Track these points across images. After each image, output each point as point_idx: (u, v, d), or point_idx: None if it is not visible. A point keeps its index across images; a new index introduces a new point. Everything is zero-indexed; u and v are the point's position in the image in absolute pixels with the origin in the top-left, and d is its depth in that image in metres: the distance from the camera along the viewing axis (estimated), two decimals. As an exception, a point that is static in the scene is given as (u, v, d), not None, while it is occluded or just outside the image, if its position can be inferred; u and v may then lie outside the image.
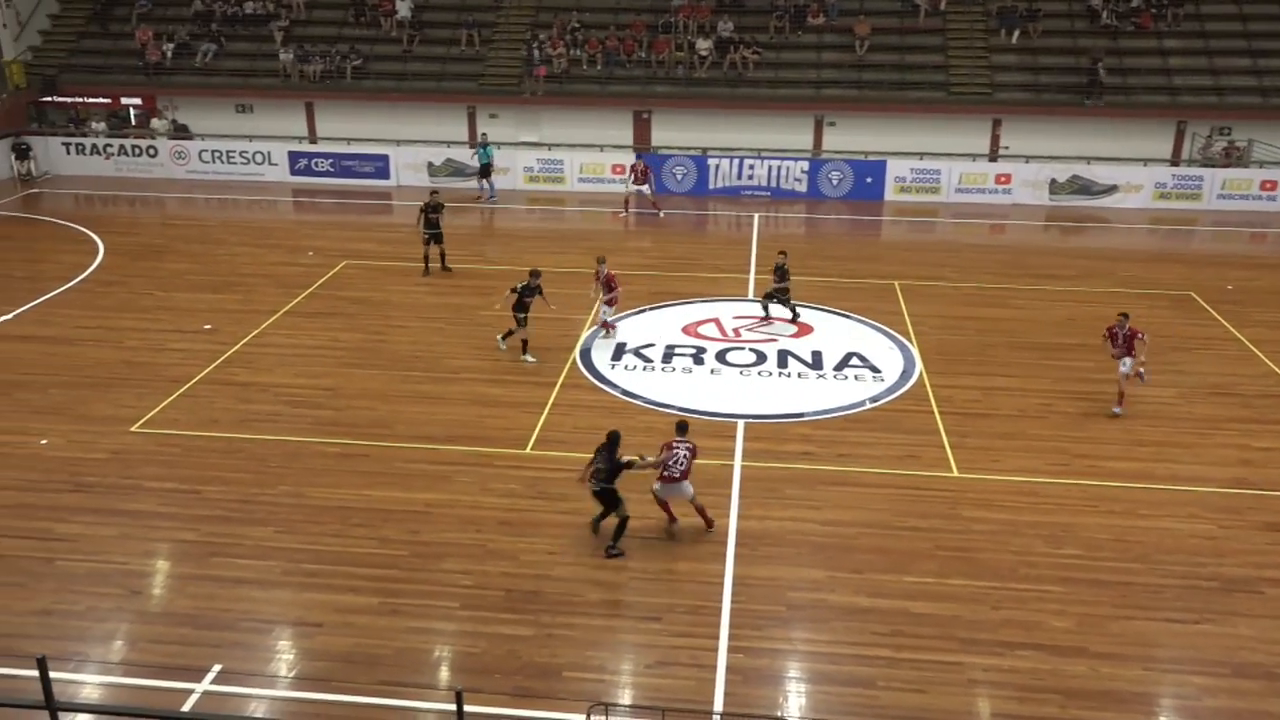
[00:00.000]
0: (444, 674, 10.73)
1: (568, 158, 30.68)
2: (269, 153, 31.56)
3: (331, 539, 12.95)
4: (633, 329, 19.61)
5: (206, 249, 24.81)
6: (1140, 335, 16.11)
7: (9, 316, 20.24)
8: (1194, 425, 16.13)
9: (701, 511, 13.09)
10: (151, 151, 31.93)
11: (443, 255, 22.78)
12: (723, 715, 10.07)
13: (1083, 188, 29.47)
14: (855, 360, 18.36)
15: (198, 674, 10.53)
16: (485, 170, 29.40)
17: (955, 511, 13.67)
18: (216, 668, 10.64)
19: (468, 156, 30.47)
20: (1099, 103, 29.91)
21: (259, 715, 10.02)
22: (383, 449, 15.16)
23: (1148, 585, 12.14)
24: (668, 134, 31.66)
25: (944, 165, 29.83)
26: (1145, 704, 10.38)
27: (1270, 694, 10.47)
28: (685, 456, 12.83)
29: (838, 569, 12.42)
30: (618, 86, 31.64)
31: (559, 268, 23.21)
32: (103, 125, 32.80)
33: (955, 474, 14.60)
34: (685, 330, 19.57)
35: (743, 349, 18.77)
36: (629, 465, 12.64)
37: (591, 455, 12.84)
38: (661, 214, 28.14)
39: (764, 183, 30.22)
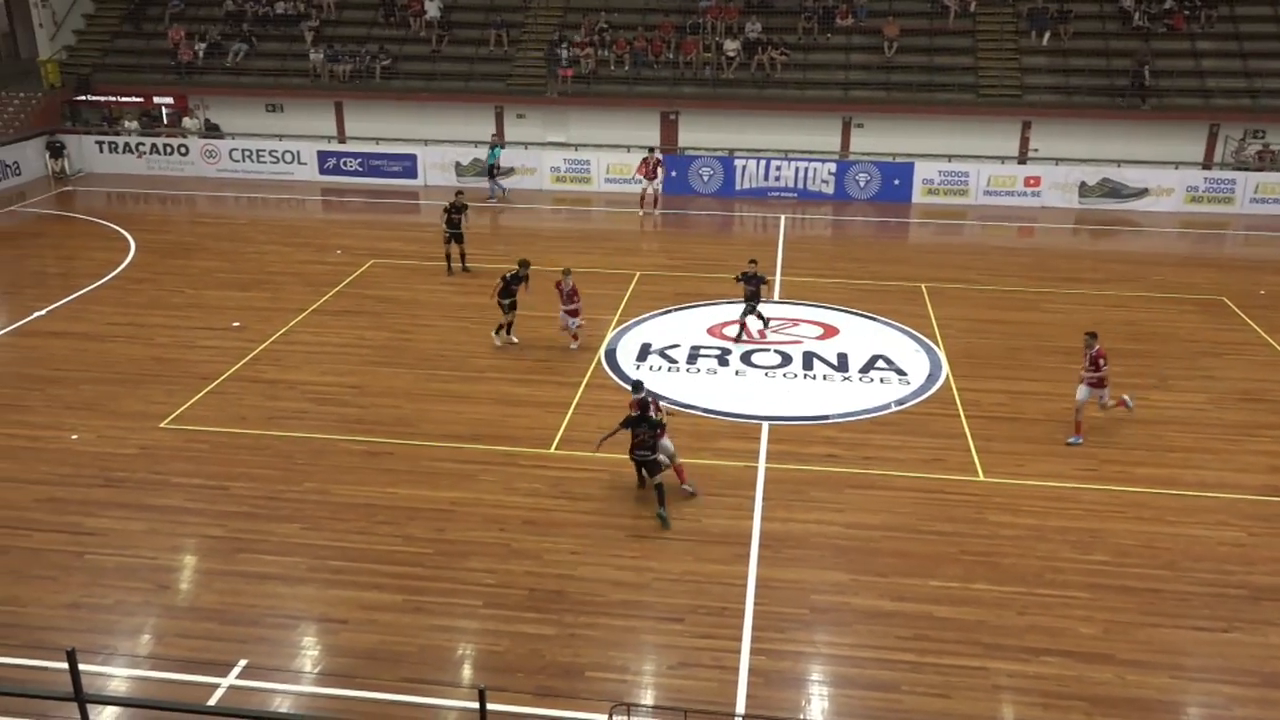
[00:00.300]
0: (467, 672, 10.78)
1: (594, 158, 30.73)
2: (298, 152, 31.81)
3: (357, 536, 13.03)
4: (658, 330, 19.62)
5: (236, 247, 25.04)
6: (1101, 361, 15.11)
7: (43, 312, 20.52)
8: (1224, 431, 15.95)
9: (679, 472, 13.77)
10: (183, 150, 32.26)
11: (463, 255, 22.88)
12: (745, 717, 10.05)
13: (1113, 191, 29.21)
14: (881, 363, 18.28)
15: (224, 669, 10.63)
16: (492, 171, 29.65)
17: (981, 516, 13.58)
18: (242, 663, 10.74)
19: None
20: (1143, 106, 29.59)
21: (284, 710, 10.09)
22: (408, 447, 15.24)
23: (1176, 592, 12.01)
24: (695, 135, 31.64)
25: (972, 167, 29.65)
26: (1172, 713, 10.27)
27: (1300, 704, 10.35)
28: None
29: (861, 572, 12.37)
30: (645, 87, 31.67)
31: (583, 268, 23.28)
32: (135, 124, 33.17)
33: (981, 478, 14.50)
34: (710, 331, 19.55)
35: (768, 350, 18.73)
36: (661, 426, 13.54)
37: (617, 427, 13.45)
38: (657, 213, 28.14)
39: (791, 184, 30.14)
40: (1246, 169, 29.25)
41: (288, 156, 31.84)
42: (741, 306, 19.00)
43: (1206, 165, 29.98)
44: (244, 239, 25.78)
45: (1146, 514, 13.64)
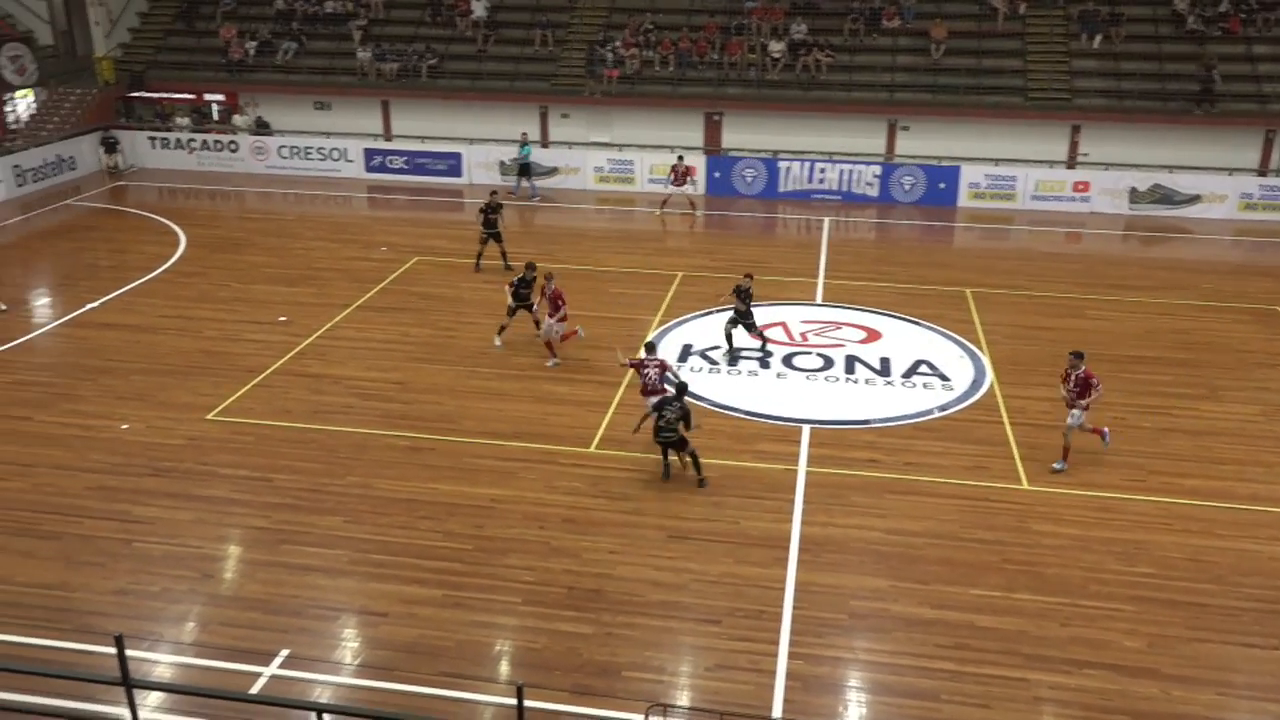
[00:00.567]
0: (505, 668, 10.83)
1: (638, 158, 30.76)
2: (345, 149, 32.14)
3: (398, 530, 13.15)
4: (699, 331, 19.59)
5: (283, 243, 25.35)
6: (1095, 382, 14.38)
7: (95, 304, 20.91)
8: (1277, 444, 15.63)
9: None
10: (233, 147, 32.72)
11: (504, 254, 22.97)
12: (781, 721, 10.02)
13: (1164, 197, 28.72)
14: (924, 368, 18.12)
15: (266, 658, 10.77)
16: (525, 169, 29.80)
17: (1024, 525, 13.42)
18: (284, 652, 10.88)
19: (536, 155, 30.79)
20: (1200, 110, 29.07)
21: (324, 701, 10.20)
22: (449, 443, 15.35)
23: (1224, 607, 11.79)
24: (739, 136, 31.54)
25: (1020, 172, 29.29)
26: (1219, 729, 10.10)
27: (1352, 724, 10.11)
28: (654, 375, 15.04)
29: (902, 579, 12.27)
30: (689, 88, 31.63)
31: (626, 268, 23.33)
32: (187, 120, 33.70)
33: (1025, 486, 14.33)
34: (752, 333, 19.47)
35: (810, 353, 18.64)
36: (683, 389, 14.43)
37: (651, 413, 14.25)
38: (698, 213, 28.11)
39: (835, 186, 29.96)
40: (1303, 176, 28.64)
41: (335, 154, 32.18)
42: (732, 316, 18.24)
43: (1262, 172, 29.39)
44: (291, 235, 26.10)
45: (1194, 526, 13.41)
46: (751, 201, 29.99)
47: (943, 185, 29.54)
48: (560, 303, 17.75)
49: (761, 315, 20.34)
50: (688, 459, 14.24)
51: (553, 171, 30.95)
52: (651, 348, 15.82)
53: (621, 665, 10.82)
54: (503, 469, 14.64)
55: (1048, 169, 29.64)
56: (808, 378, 17.69)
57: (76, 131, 32.33)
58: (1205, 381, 17.71)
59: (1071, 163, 30.14)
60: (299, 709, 9.48)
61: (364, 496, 13.93)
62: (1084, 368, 14.50)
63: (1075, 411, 14.51)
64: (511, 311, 18.65)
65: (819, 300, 21.40)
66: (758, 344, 18.61)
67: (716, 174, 30.29)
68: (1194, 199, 28.56)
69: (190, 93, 34.14)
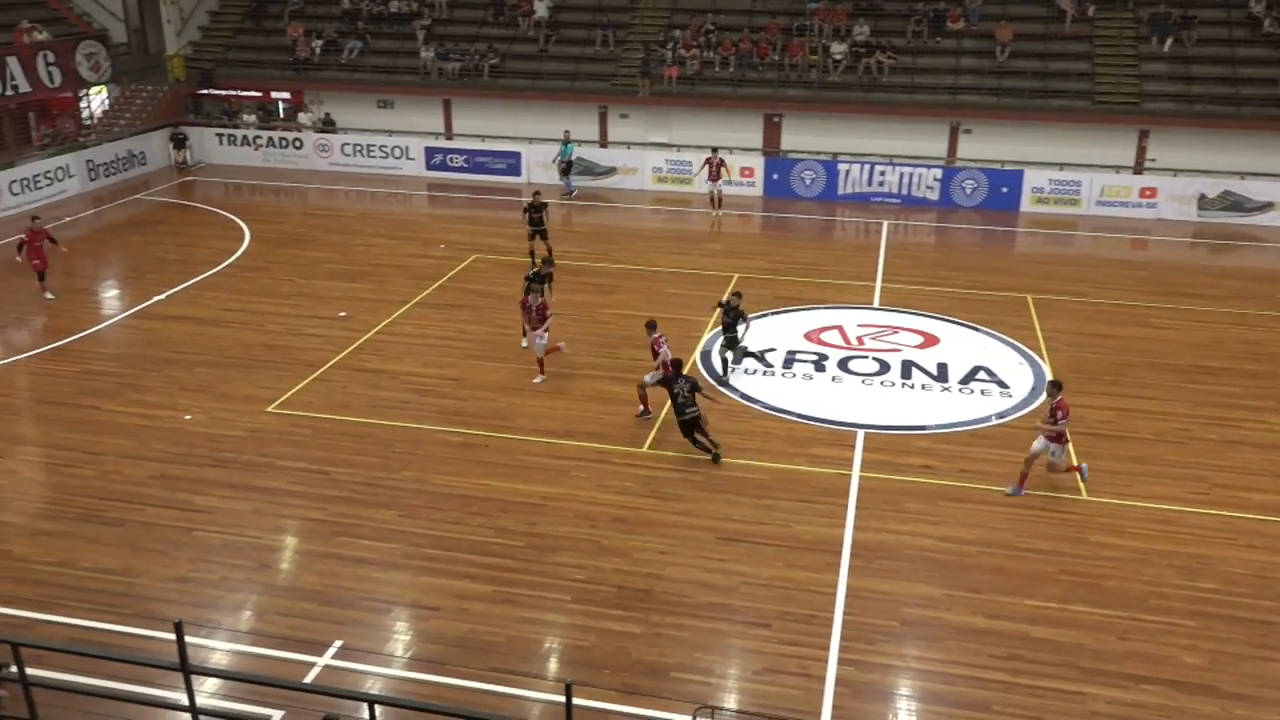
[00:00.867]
0: (553, 665, 10.89)
1: (696, 159, 30.70)
2: (407, 148, 32.53)
3: (451, 526, 13.28)
4: (754, 333, 19.50)
5: (344, 239, 25.73)
6: (1060, 415, 13.68)
7: (162, 297, 21.40)
8: (1349, 460, 15.17)
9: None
10: (297, 144, 33.29)
11: (549, 251, 23.09)
12: (830, 728, 9.94)
13: (1235, 204, 28.00)
14: (982, 374, 17.87)
15: (320, 648, 10.94)
16: (567, 168, 29.92)
17: (1083, 536, 13.17)
18: (337, 643, 11.04)
19: (594, 155, 30.90)
20: None
21: (375, 692, 10.33)
22: (503, 440, 15.46)
23: (1290, 626, 11.48)
24: (798, 138, 31.35)
25: (1085, 177, 28.74)
26: (1282, 751, 9.83)
27: None
28: (667, 352, 15.84)
29: (955, 587, 12.11)
30: (749, 89, 31.51)
31: (682, 269, 23.31)
32: (253, 117, 34.37)
33: (1084, 497, 14.06)
34: (807, 336, 19.37)
35: (866, 358, 18.47)
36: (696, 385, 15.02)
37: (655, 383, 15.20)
38: (719, 213, 27.78)
39: (894, 190, 29.66)
40: (1382, 184, 27.71)
41: (396, 152, 32.58)
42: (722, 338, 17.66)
43: (1338, 179, 28.50)
44: (352, 231, 26.48)
45: (1259, 542, 13.06)
46: (809, 204, 29.79)
47: (1005, 189, 29.08)
48: (545, 313, 17.35)
49: (818, 318, 20.21)
50: (708, 440, 14.85)
51: (611, 171, 31.03)
52: (653, 325, 16.33)
53: (670, 666, 10.82)
54: (555, 467, 14.72)
55: (1114, 174, 29.05)
56: (863, 382, 17.54)
57: (147, 127, 33.12)
58: (1275, 394, 17.23)
59: (1139, 168, 29.51)
60: (351, 700, 9.60)
61: (418, 491, 14.09)
62: (1059, 397, 13.83)
63: (1055, 448, 13.82)
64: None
65: (876, 304, 21.19)
66: (730, 362, 17.65)
67: (775, 176, 30.15)
68: (1266, 206, 27.80)
69: (257, 90, 34.83)
